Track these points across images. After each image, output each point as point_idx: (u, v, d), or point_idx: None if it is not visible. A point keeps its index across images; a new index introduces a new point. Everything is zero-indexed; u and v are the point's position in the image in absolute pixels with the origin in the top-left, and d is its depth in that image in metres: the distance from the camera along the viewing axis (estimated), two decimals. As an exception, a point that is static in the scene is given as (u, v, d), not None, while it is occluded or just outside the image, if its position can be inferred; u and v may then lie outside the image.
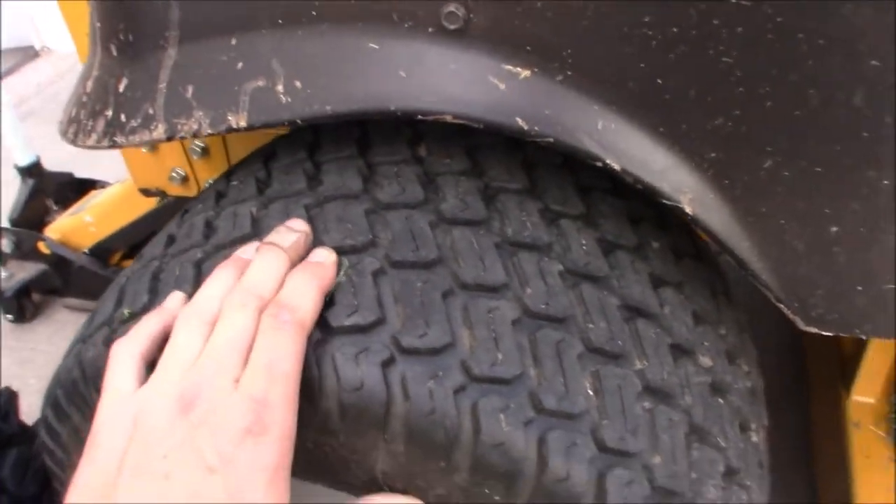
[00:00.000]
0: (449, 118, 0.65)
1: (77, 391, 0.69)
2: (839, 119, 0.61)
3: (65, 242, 1.95)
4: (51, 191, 2.11)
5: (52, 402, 0.74)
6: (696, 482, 0.63)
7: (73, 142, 0.82)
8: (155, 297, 0.67)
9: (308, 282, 0.58)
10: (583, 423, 0.58)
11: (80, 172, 2.19)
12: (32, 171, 2.07)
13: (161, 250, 0.73)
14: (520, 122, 0.64)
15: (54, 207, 2.12)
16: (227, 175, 0.82)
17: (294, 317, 0.55)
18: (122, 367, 0.58)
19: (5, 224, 2.02)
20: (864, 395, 1.21)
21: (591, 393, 0.60)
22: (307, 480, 0.65)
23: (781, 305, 0.71)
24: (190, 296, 0.63)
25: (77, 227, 1.94)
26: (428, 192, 0.69)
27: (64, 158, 2.26)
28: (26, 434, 1.01)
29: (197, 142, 1.15)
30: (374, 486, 0.61)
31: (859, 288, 0.69)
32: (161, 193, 1.30)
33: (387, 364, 0.57)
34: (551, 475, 0.56)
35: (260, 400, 0.51)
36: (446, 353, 0.58)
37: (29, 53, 3.86)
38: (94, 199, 1.99)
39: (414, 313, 0.59)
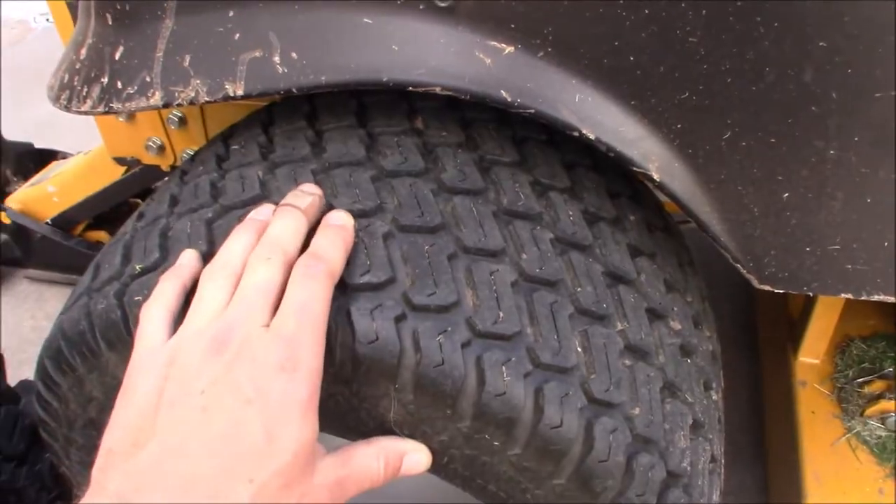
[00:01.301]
0: (438, 90, 0.70)
1: (84, 342, 0.72)
2: (791, 94, 0.68)
3: (26, 212, 1.94)
4: (10, 161, 2.10)
5: (52, 353, 0.77)
6: (669, 432, 0.70)
7: (67, 107, 0.85)
8: (166, 253, 0.70)
9: (335, 239, 0.63)
10: (574, 376, 0.65)
11: (40, 143, 2.18)
12: (-8, 140, 2.06)
13: (165, 210, 0.77)
14: (504, 94, 0.69)
15: (14, 178, 2.10)
16: (224, 140, 0.86)
17: (326, 267, 0.60)
18: (153, 322, 0.61)
19: (-36, 194, 2.01)
20: (809, 356, 1.30)
21: (580, 350, 0.66)
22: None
23: (738, 265, 0.77)
24: (203, 252, 0.67)
25: (39, 197, 1.93)
26: (428, 162, 0.74)
27: (22, 128, 2.25)
28: (12, 394, 1.04)
29: (175, 112, 1.18)
30: (382, 433, 0.66)
31: (808, 249, 0.76)
32: (135, 162, 1.33)
33: (399, 319, 0.62)
34: (546, 422, 0.62)
35: (291, 339, 0.55)
36: (453, 310, 0.63)
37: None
38: (57, 169, 1.99)
39: (422, 273, 0.64)
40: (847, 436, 1.20)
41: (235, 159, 0.80)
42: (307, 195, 0.67)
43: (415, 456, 0.65)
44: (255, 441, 0.52)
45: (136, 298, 0.68)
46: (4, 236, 1.98)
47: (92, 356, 0.73)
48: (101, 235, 1.94)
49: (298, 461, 0.54)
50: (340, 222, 0.66)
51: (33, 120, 2.54)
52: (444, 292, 0.63)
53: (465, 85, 0.69)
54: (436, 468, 0.68)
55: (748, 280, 0.78)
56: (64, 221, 1.91)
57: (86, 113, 0.83)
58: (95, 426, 0.79)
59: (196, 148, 1.19)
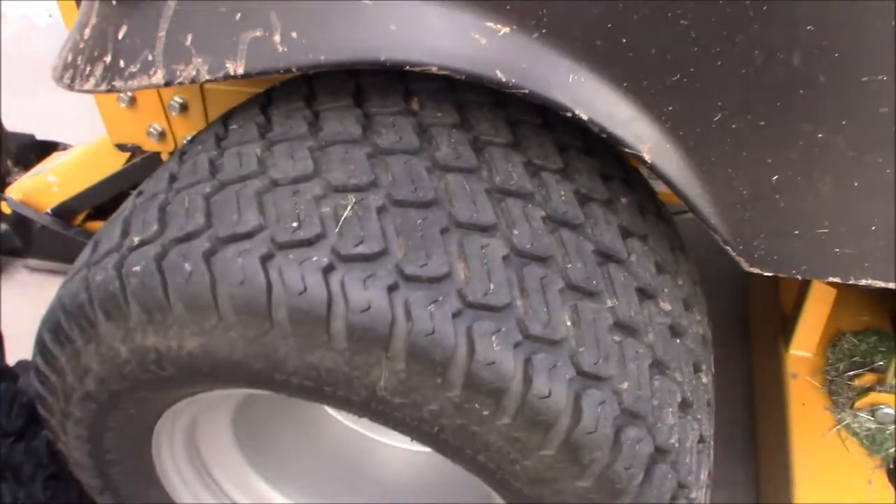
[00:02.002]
0: (434, 69, 0.71)
1: (83, 314, 0.73)
2: (780, 77, 0.69)
3: (27, 202, 1.94)
4: (11, 151, 2.11)
5: (51, 326, 0.78)
6: (658, 408, 0.71)
7: (70, 86, 0.86)
8: (163, 226, 0.72)
9: None
10: (563, 348, 0.66)
11: (41, 135, 2.19)
12: (-6, 130, 2.07)
13: (164, 186, 0.78)
14: (499, 74, 0.71)
15: (15, 168, 2.11)
16: (223, 121, 0.87)
17: None
18: None
19: (-35, 184, 2.02)
20: (801, 349, 1.31)
21: (569, 324, 0.67)
22: (310, 401, 0.72)
23: (728, 248, 0.79)
24: (200, 225, 0.69)
25: (40, 187, 1.94)
26: (423, 142, 0.75)
27: (24, 121, 2.26)
28: (11, 373, 1.05)
29: (176, 98, 1.19)
30: (373, 403, 0.68)
31: (797, 232, 0.77)
32: (136, 149, 1.34)
33: (392, 289, 0.63)
34: (535, 393, 0.64)
35: None
36: (444, 281, 0.64)
37: (-21, 17, 3.80)
38: (58, 160, 2.00)
39: (415, 246, 0.65)
40: (837, 427, 1.22)
41: (234, 138, 0.81)
42: None
43: None
44: None
45: (135, 269, 0.69)
46: (5, 226, 1.99)
47: (90, 327, 0.74)
48: (100, 226, 1.95)
49: None
50: None
51: (35, 113, 2.55)
52: (435, 264, 0.65)
53: (461, 65, 0.71)
54: (426, 439, 0.69)
55: (737, 263, 0.80)
56: (64, 211, 1.91)
57: (89, 91, 0.84)
58: (93, 399, 0.80)
59: (196, 135, 1.20)
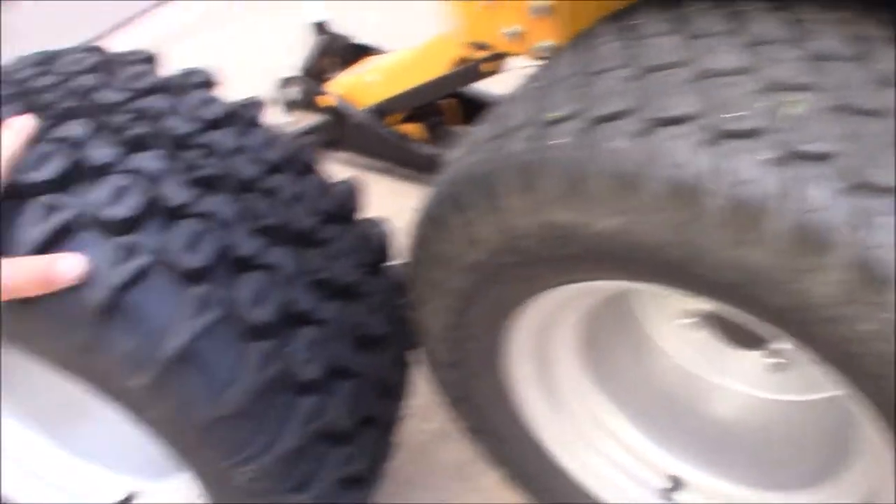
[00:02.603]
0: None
1: (487, 183, 0.76)
2: None
3: (346, 99, 2.06)
4: (335, 50, 2.25)
5: (446, 193, 0.82)
6: None
7: None
8: (583, 105, 0.73)
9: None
10: None
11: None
12: (323, 29, 2.21)
13: (569, 71, 0.79)
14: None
15: (330, 67, 2.25)
16: (617, 20, 0.87)
17: None
18: None
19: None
20: None
21: None
22: (715, 300, 0.71)
23: None
24: (627, 107, 0.68)
25: (360, 85, 2.04)
26: (860, 53, 0.70)
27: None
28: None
29: (543, 1, 1.18)
30: (795, 312, 0.64)
31: None
32: (486, 47, 1.37)
33: (844, 194, 0.59)
34: None
35: None
36: None
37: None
38: (375, 62, 2.09)
39: (863, 153, 0.60)
40: None
41: (643, 31, 0.80)
42: None
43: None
44: None
45: (556, 142, 0.70)
46: (325, 117, 2.13)
47: (493, 197, 0.76)
48: (411, 129, 2.04)
49: None
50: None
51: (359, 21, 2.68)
52: (888, 177, 0.59)
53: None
54: (842, 363, 0.65)
55: None
56: (381, 111, 2.01)
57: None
58: (478, 269, 0.82)
59: (552, 42, 1.20)
